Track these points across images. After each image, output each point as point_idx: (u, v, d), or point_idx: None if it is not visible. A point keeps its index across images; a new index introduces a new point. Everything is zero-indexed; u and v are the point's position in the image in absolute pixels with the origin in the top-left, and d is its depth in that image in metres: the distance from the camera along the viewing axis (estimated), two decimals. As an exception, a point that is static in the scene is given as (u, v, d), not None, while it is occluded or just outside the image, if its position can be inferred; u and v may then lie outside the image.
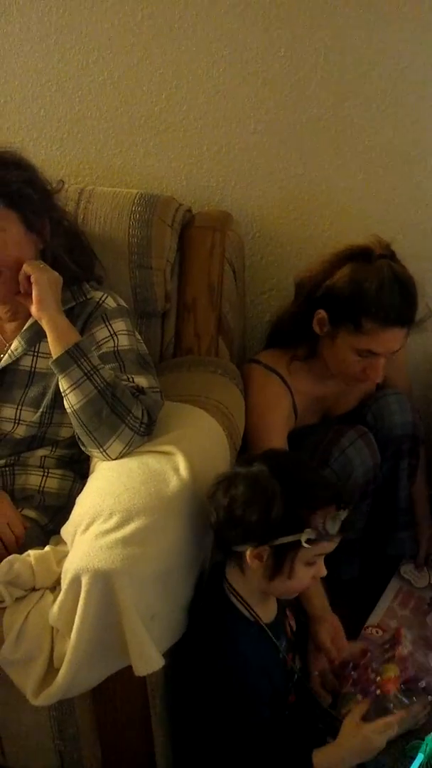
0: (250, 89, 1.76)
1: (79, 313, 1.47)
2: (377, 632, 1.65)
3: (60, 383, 1.36)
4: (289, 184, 1.83)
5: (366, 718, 1.31)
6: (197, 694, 1.27)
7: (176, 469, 1.28)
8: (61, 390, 1.35)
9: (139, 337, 1.50)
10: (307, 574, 1.25)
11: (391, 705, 1.38)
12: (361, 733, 1.27)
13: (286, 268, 1.88)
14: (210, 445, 1.41)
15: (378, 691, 1.40)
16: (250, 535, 1.21)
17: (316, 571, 1.26)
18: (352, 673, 1.49)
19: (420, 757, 1.38)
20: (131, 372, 1.41)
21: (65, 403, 1.35)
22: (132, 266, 1.61)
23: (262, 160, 1.82)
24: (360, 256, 1.54)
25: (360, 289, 1.50)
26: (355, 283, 1.51)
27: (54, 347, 1.36)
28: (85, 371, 1.33)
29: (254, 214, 1.87)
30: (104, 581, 1.11)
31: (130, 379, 1.39)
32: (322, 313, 1.57)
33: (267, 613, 1.33)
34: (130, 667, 1.16)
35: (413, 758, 1.38)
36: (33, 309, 1.38)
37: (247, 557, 1.23)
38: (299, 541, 1.20)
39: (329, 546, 1.25)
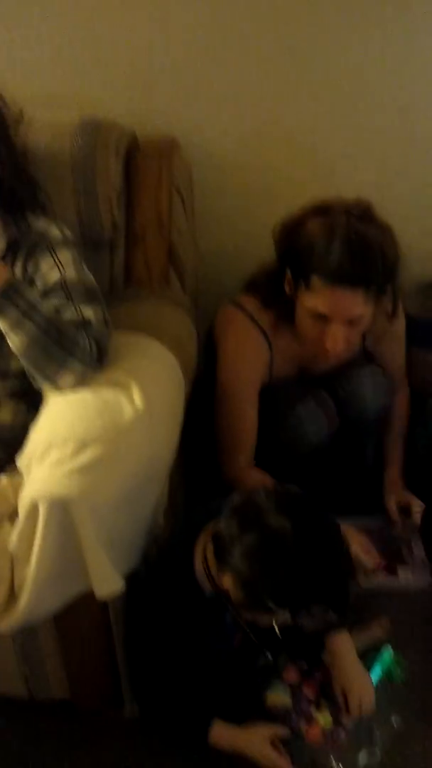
0: (199, 3, 1.69)
1: (23, 243, 1.43)
2: None
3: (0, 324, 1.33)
4: (239, 110, 1.80)
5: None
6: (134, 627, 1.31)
7: (130, 398, 1.28)
8: (3, 331, 1.33)
9: (86, 268, 1.47)
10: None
11: (300, 752, 1.34)
12: (256, 746, 1.30)
13: (237, 196, 1.86)
14: (164, 375, 1.41)
15: (302, 727, 1.36)
16: (235, 573, 1.18)
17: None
18: (304, 677, 1.43)
19: (377, 670, 1.46)
20: (79, 303, 1.38)
21: (10, 343, 1.33)
22: (77, 193, 1.57)
23: (210, 84, 1.78)
24: (322, 211, 1.48)
25: (311, 244, 1.44)
26: (308, 238, 1.45)
27: None
28: (23, 310, 1.29)
29: (202, 141, 1.83)
30: (62, 508, 1.11)
31: (78, 310, 1.37)
32: (288, 272, 1.52)
33: None
34: (92, 592, 1.18)
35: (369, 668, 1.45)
36: None
37: (224, 578, 1.21)
38: (273, 610, 1.17)
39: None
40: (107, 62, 1.77)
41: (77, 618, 1.28)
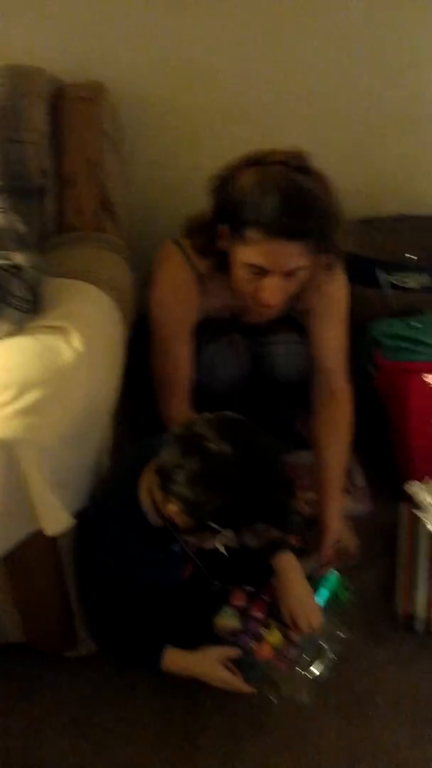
0: None
1: None
2: None
3: None
4: (165, 53, 1.79)
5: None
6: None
7: (69, 342, 1.29)
8: None
9: (15, 215, 1.46)
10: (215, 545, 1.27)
11: (251, 669, 1.38)
12: (208, 667, 1.35)
13: (166, 140, 1.86)
14: (102, 318, 1.42)
15: (252, 646, 1.40)
16: (180, 500, 1.20)
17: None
18: (251, 599, 1.46)
19: (324, 592, 1.52)
20: (9, 250, 1.37)
21: None
22: (1, 141, 1.55)
23: (135, 28, 1.76)
24: (255, 162, 1.43)
25: (245, 196, 1.40)
26: (242, 190, 1.41)
27: None
28: None
29: (129, 85, 1.81)
30: (6, 451, 1.12)
31: (8, 257, 1.36)
32: (222, 228, 1.47)
33: None
34: (41, 533, 1.20)
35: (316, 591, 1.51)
36: None
37: (169, 507, 1.23)
38: (217, 531, 1.20)
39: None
40: (32, 8, 1.74)
41: (28, 560, 1.29)
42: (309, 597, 1.44)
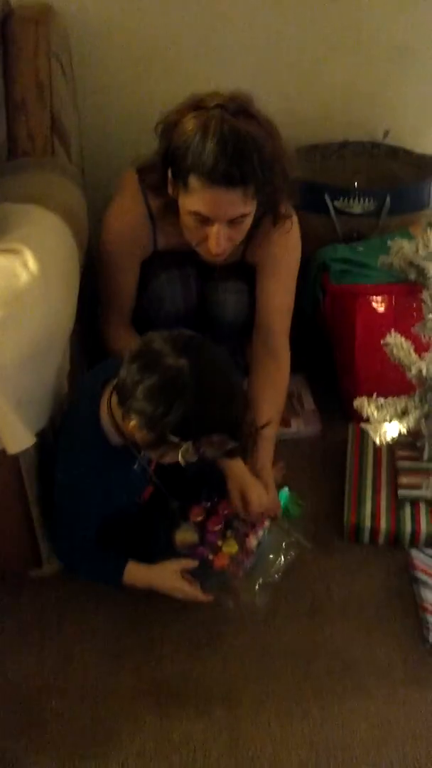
0: None
1: None
2: None
3: None
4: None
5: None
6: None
7: (25, 264, 1.29)
8: None
9: None
10: (177, 459, 1.28)
11: (208, 579, 1.45)
12: (168, 579, 1.41)
13: (117, 64, 1.83)
14: (57, 243, 1.42)
15: (210, 557, 1.46)
16: (140, 416, 1.22)
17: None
18: (209, 514, 1.52)
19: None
20: None
21: None
22: None
23: None
24: (197, 107, 1.41)
25: (186, 143, 1.38)
26: (183, 137, 1.39)
27: None
28: None
29: (78, 8, 1.78)
30: (-34, 370, 1.14)
31: None
32: (169, 173, 1.46)
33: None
34: (3, 453, 1.23)
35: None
36: None
37: (130, 424, 1.25)
38: (178, 444, 1.23)
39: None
40: None
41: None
42: (257, 482, 1.51)
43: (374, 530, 1.58)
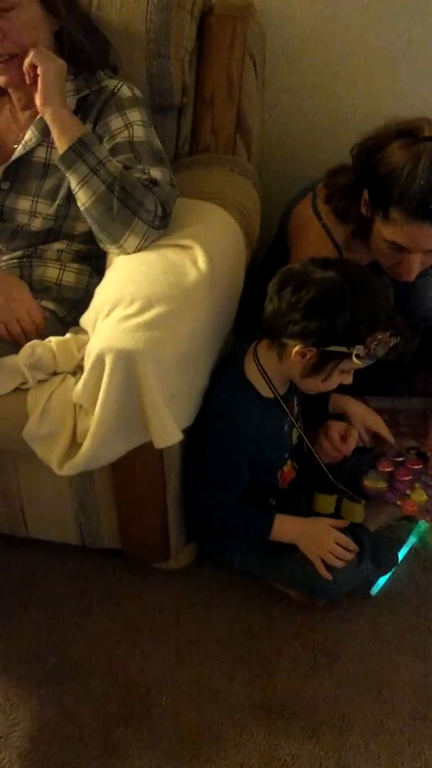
0: None
1: (94, 102, 1.43)
2: None
3: (69, 181, 1.35)
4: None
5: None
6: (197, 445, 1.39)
7: (195, 262, 1.30)
8: (72, 188, 1.35)
9: (153, 130, 1.46)
10: (338, 380, 1.33)
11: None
12: (324, 528, 1.41)
13: (308, 66, 1.80)
14: (227, 241, 1.43)
15: (398, 502, 1.48)
16: (305, 336, 1.25)
17: (345, 378, 1.33)
18: (398, 467, 1.52)
19: (411, 539, 1.53)
20: (146, 164, 1.39)
21: (77, 201, 1.35)
22: (149, 55, 1.54)
23: None
24: (408, 133, 1.36)
25: (392, 172, 1.34)
26: (390, 166, 1.34)
27: (59, 143, 1.34)
28: (91, 166, 1.31)
29: (278, 5, 1.76)
30: (127, 361, 1.16)
31: (146, 171, 1.37)
32: (365, 194, 1.42)
33: (281, 390, 1.41)
34: (149, 444, 1.24)
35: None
36: (37, 102, 1.34)
37: (292, 352, 1.28)
38: (348, 354, 1.26)
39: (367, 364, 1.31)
40: None
41: (133, 468, 1.35)
42: (376, 414, 1.54)
43: None
